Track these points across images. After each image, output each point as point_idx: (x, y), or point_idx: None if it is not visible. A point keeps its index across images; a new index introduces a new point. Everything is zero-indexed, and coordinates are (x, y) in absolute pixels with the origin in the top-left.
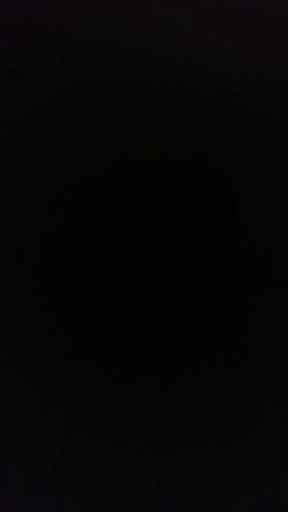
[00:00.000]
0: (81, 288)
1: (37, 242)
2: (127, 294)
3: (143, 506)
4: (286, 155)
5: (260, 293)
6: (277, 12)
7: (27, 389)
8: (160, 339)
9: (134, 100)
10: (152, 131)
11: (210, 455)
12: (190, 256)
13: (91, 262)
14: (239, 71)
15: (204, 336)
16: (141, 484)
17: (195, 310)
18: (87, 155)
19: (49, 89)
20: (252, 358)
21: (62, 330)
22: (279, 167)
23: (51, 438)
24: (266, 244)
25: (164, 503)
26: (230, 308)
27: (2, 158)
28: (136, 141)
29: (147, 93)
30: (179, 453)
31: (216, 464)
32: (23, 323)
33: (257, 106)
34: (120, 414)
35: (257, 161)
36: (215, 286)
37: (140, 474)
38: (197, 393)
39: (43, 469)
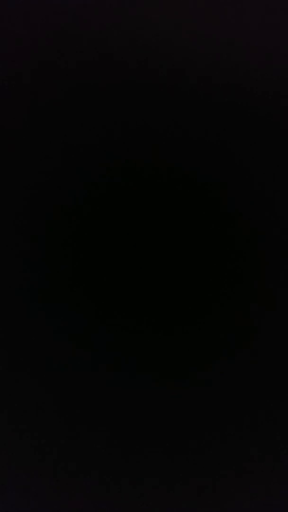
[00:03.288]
0: (82, 283)
1: (37, 239)
2: (127, 291)
3: (143, 505)
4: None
5: (260, 290)
6: (279, 12)
7: (27, 386)
8: (160, 334)
9: (135, 101)
10: (152, 131)
11: (210, 453)
12: (189, 255)
13: (91, 258)
14: (241, 71)
15: (204, 332)
16: (141, 483)
17: (195, 306)
18: (87, 156)
19: (49, 89)
20: (254, 352)
21: (62, 326)
22: (281, 167)
23: (51, 437)
24: (266, 242)
25: (164, 502)
26: (231, 303)
27: (2, 158)
28: (136, 141)
29: (148, 93)
30: (180, 452)
31: (217, 463)
32: (24, 318)
33: (259, 106)
34: (121, 411)
35: (258, 159)
36: (214, 284)
37: (140, 473)
38: (197, 390)
39: (42, 468)
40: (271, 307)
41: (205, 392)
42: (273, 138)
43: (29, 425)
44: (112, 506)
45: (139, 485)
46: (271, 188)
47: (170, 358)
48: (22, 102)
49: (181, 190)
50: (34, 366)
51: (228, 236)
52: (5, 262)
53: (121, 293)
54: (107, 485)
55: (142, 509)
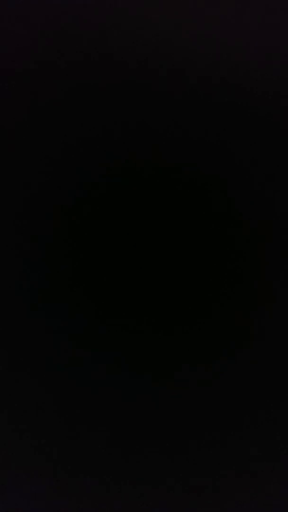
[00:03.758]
0: (82, 283)
1: (37, 239)
2: (127, 291)
3: (143, 505)
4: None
5: (260, 290)
6: (279, 12)
7: (27, 386)
8: (160, 334)
9: (135, 101)
10: (152, 131)
11: (210, 453)
12: (189, 255)
13: (91, 258)
14: (241, 71)
15: (204, 332)
16: (141, 483)
17: (196, 306)
18: (87, 156)
19: (49, 89)
20: (254, 352)
21: (62, 326)
22: (281, 167)
23: (51, 437)
24: (266, 242)
25: (164, 502)
26: (231, 303)
27: (3, 158)
28: (136, 141)
29: (148, 93)
30: (180, 452)
31: (217, 463)
32: (24, 318)
33: (259, 106)
34: (120, 411)
35: (258, 159)
36: (215, 284)
37: (140, 473)
38: (197, 390)
39: (42, 468)
40: (271, 307)
41: (205, 392)
42: (273, 138)
43: (29, 425)
44: (112, 506)
45: (139, 485)
46: (271, 188)
47: (170, 358)
48: (22, 102)
49: (181, 190)
50: (34, 366)
51: (228, 236)
52: (5, 262)
53: (121, 293)
54: (107, 485)
55: (142, 509)
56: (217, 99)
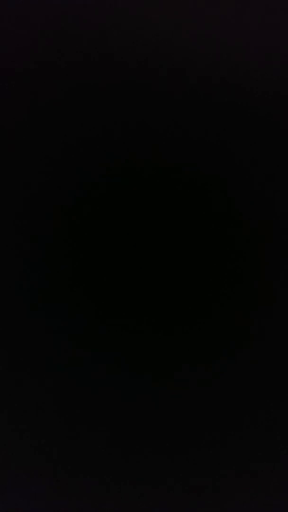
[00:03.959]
0: (82, 283)
1: (37, 239)
2: (127, 291)
3: (143, 505)
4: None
5: (260, 290)
6: (279, 12)
7: (27, 386)
8: (160, 334)
9: (135, 101)
10: (152, 131)
11: (210, 453)
12: (189, 255)
13: (91, 258)
14: (241, 71)
15: (204, 332)
16: (141, 483)
17: (196, 306)
18: (87, 156)
19: (49, 89)
20: (254, 352)
21: (62, 326)
22: (281, 167)
23: (51, 437)
24: (266, 242)
25: (164, 502)
26: (231, 303)
27: (3, 158)
28: (136, 141)
29: (148, 93)
30: (180, 452)
31: (217, 463)
32: (24, 318)
33: (259, 106)
34: (120, 411)
35: (258, 159)
36: (215, 284)
37: (140, 473)
38: (197, 390)
39: (42, 468)
40: (271, 307)
41: (205, 392)
42: (273, 138)
43: (29, 425)
44: (112, 506)
45: (139, 485)
46: (271, 188)
47: (170, 358)
48: (22, 102)
49: (181, 190)
50: (34, 366)
51: (228, 236)
52: (5, 262)
53: (121, 293)
54: (107, 485)
55: (142, 509)
56: (217, 99)
